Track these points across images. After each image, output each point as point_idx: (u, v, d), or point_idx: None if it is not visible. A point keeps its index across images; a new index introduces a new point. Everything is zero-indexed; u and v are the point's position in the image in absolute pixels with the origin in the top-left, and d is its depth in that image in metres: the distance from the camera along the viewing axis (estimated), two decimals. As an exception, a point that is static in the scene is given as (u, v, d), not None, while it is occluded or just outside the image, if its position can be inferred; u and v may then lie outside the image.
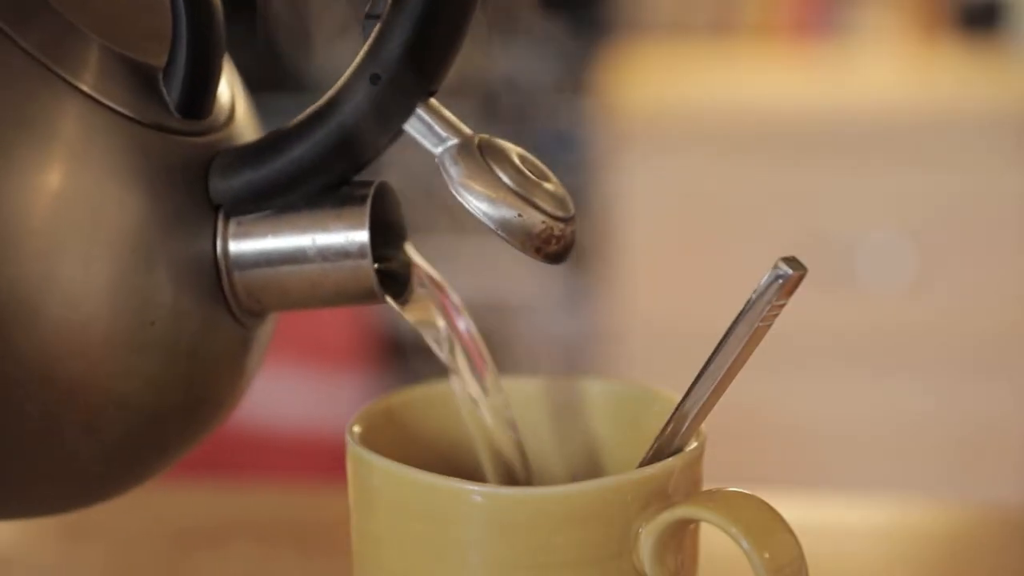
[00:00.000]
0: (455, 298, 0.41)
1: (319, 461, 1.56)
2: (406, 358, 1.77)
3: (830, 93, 1.62)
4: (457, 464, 0.43)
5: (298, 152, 0.38)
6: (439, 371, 0.42)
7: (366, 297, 0.39)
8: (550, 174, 0.39)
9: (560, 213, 0.38)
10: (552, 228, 0.38)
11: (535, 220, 0.37)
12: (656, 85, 1.63)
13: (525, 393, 0.44)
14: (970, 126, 1.53)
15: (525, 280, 1.73)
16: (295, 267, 0.39)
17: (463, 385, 0.41)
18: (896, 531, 0.63)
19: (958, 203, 1.53)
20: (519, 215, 0.37)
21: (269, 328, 0.42)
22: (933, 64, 1.72)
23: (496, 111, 1.64)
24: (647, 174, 1.55)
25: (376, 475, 0.37)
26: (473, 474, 0.43)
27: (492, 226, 0.37)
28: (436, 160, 0.38)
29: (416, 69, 0.37)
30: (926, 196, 1.53)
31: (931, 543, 0.62)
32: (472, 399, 0.41)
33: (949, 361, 1.55)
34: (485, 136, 0.39)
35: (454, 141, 0.38)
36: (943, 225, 1.53)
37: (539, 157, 0.40)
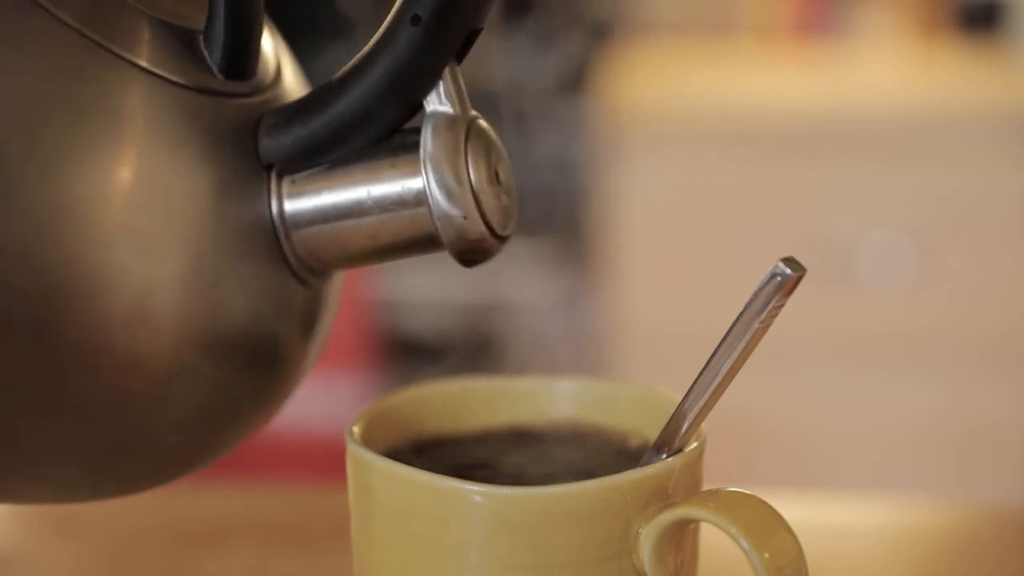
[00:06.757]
0: None
1: (319, 461, 1.56)
2: (406, 358, 1.77)
3: (830, 93, 1.62)
4: (457, 464, 0.44)
5: (345, 103, 0.37)
6: (439, 371, 0.42)
7: (426, 245, 0.38)
8: (512, 187, 0.39)
9: (501, 231, 0.38)
10: (485, 241, 0.37)
11: (476, 228, 0.37)
12: (656, 85, 1.63)
13: (525, 393, 0.44)
14: (970, 126, 1.53)
15: (525, 280, 1.73)
16: (353, 221, 0.38)
17: None
18: (896, 531, 0.63)
19: (958, 203, 1.53)
20: (464, 217, 0.37)
21: (336, 287, 0.42)
22: (933, 64, 1.72)
23: (496, 111, 1.64)
24: (647, 174, 1.55)
25: (376, 475, 0.37)
26: (473, 474, 0.43)
27: (434, 210, 0.37)
28: (423, 115, 0.37)
29: (456, 6, 0.37)
30: (926, 196, 1.53)
31: (932, 543, 0.62)
32: None
33: (949, 361, 1.55)
34: (481, 122, 0.38)
35: (447, 110, 0.38)
36: (943, 225, 1.53)
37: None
